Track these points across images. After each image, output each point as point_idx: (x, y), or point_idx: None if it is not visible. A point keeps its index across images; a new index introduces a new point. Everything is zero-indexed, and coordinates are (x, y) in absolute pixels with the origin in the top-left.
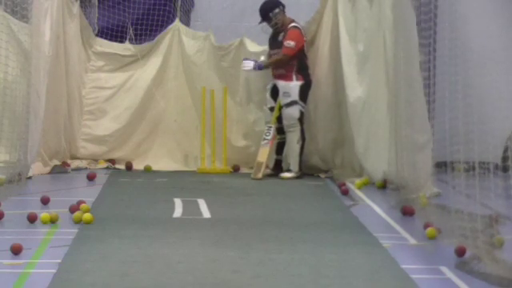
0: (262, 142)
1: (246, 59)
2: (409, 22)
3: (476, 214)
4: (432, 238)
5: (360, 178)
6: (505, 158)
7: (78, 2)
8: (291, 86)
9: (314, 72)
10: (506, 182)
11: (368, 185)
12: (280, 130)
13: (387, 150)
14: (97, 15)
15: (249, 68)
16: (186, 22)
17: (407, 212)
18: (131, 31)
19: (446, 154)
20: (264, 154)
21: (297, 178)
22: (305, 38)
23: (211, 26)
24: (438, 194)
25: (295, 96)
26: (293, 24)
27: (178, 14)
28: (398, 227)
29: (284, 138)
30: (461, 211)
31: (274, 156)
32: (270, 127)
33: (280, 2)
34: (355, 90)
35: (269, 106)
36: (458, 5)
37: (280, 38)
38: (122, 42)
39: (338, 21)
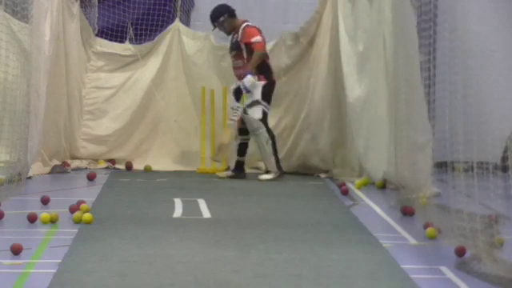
0: (229, 122)
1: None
2: (408, 22)
3: (476, 214)
4: (432, 237)
5: (360, 178)
6: (504, 158)
7: (78, 1)
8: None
9: (313, 72)
10: (505, 182)
11: (368, 185)
12: (243, 131)
13: (387, 150)
14: (97, 15)
15: (249, 83)
16: (186, 22)
17: (407, 212)
18: (131, 31)
19: (446, 154)
20: (227, 136)
21: (277, 178)
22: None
23: (211, 26)
24: (437, 194)
25: (258, 96)
26: (246, 23)
27: (178, 14)
28: (398, 227)
29: (246, 139)
30: (461, 211)
31: (236, 157)
32: (239, 107)
33: (226, 10)
34: (355, 90)
35: (232, 105)
36: (457, 5)
37: (234, 39)
38: (122, 42)
39: (337, 21)
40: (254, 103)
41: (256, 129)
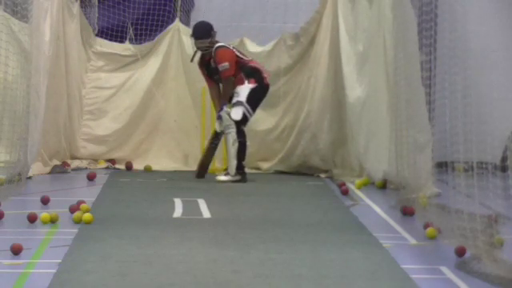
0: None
1: (219, 117)
2: (409, 22)
3: (476, 214)
4: (432, 237)
5: (360, 178)
6: (504, 158)
7: (78, 1)
8: (242, 88)
9: (313, 72)
10: (505, 182)
11: (368, 185)
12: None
13: (387, 150)
14: (97, 15)
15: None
16: (186, 22)
17: (407, 212)
18: (131, 31)
19: (446, 154)
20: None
21: (235, 182)
22: (235, 50)
23: None
24: (438, 194)
25: (242, 97)
26: (216, 45)
27: (178, 14)
28: (398, 227)
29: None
30: (461, 211)
31: (237, 161)
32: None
33: (212, 28)
34: (355, 90)
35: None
36: (457, 5)
37: (212, 64)
38: (122, 42)
39: (337, 21)
40: (237, 103)
41: (227, 127)
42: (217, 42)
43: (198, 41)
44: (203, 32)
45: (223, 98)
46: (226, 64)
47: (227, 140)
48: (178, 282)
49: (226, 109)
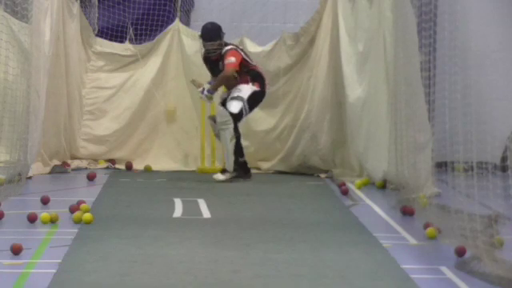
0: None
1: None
2: (409, 22)
3: (476, 214)
4: (432, 237)
5: (360, 178)
6: (504, 158)
7: (78, 1)
8: (245, 87)
9: (313, 72)
10: (505, 182)
11: (368, 185)
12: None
13: (387, 150)
14: (97, 15)
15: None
16: (186, 22)
17: (407, 212)
18: (131, 31)
19: (446, 154)
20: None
21: (233, 178)
22: (242, 54)
23: None
24: (438, 194)
25: (244, 95)
26: (226, 48)
27: (178, 14)
28: (398, 227)
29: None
30: (461, 211)
31: (236, 159)
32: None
33: (221, 28)
34: (355, 90)
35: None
36: (457, 5)
37: (221, 66)
38: (122, 42)
39: (337, 21)
40: (238, 98)
41: (224, 122)
42: (226, 43)
43: (208, 43)
44: (213, 34)
45: (214, 84)
46: (233, 58)
47: (224, 136)
48: (178, 281)
49: (206, 88)
